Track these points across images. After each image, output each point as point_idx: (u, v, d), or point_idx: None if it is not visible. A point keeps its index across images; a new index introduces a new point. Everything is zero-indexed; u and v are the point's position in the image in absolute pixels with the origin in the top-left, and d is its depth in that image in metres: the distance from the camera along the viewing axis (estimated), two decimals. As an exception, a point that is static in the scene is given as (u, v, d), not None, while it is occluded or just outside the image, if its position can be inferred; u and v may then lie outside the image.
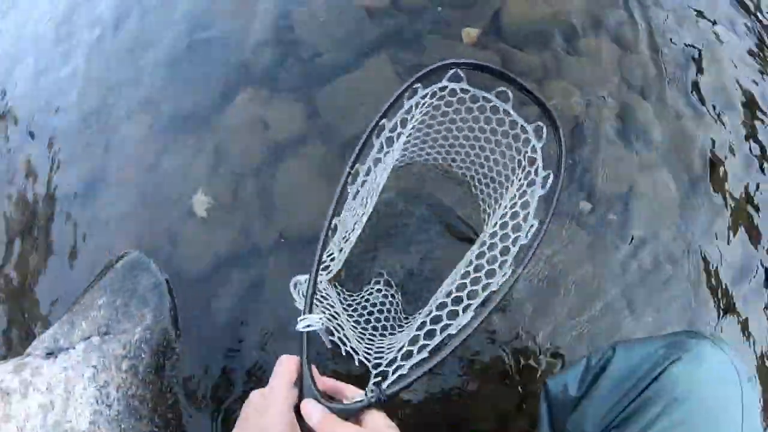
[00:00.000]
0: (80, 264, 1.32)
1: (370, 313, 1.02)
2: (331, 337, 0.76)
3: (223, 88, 1.29)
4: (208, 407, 1.09)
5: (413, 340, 0.72)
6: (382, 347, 0.86)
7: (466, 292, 0.73)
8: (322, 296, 0.82)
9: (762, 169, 1.36)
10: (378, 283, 1.09)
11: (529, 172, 0.83)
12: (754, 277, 1.28)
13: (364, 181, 0.87)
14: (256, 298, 1.11)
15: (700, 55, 1.43)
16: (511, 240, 0.79)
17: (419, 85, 0.83)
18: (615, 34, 1.39)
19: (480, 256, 0.81)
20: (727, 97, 1.41)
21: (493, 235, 0.84)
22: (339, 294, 0.99)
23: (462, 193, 1.14)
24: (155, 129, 1.33)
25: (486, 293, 0.71)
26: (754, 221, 1.32)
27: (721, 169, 1.33)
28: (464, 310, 0.69)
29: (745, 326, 1.23)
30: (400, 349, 0.72)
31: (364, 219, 0.97)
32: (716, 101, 1.40)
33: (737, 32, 1.54)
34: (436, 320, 0.74)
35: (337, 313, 0.83)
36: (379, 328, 0.99)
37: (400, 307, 1.08)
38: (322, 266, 0.78)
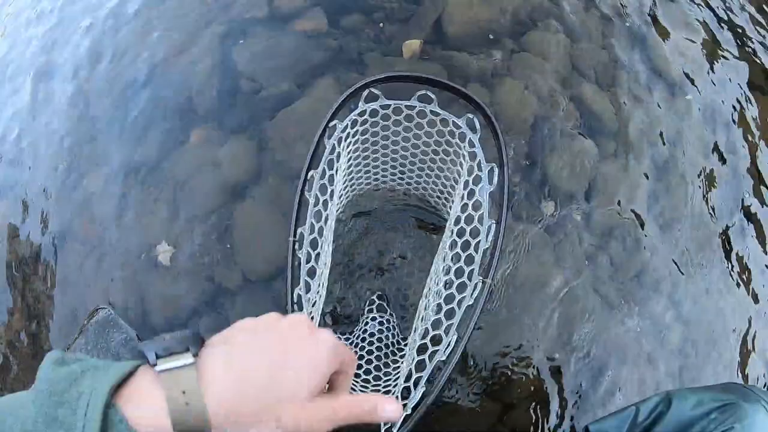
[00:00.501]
0: (56, 326, 1.32)
1: (371, 344, 1.00)
2: None
3: (173, 135, 1.28)
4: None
5: (408, 377, 0.75)
6: (389, 388, 0.85)
7: (443, 313, 0.75)
8: None
9: (719, 153, 1.35)
10: (371, 311, 1.07)
11: (472, 168, 0.82)
12: (721, 243, 1.27)
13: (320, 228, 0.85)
14: None
15: (649, 34, 1.42)
16: (472, 246, 0.78)
17: (336, 121, 0.82)
18: (561, 25, 1.37)
19: (446, 271, 0.80)
20: (680, 75, 1.39)
21: (452, 245, 0.83)
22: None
23: (420, 208, 1.12)
24: (113, 183, 1.32)
25: (460, 311, 0.73)
26: (716, 195, 1.31)
27: (683, 149, 1.32)
28: (446, 332, 0.71)
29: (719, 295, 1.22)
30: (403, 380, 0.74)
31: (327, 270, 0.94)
32: (671, 81, 1.38)
33: (684, 9, 1.52)
34: (423, 349, 0.76)
35: None
36: (382, 360, 0.97)
37: (397, 330, 1.05)
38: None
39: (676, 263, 1.23)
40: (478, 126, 0.80)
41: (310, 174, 0.83)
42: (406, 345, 0.99)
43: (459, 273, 0.81)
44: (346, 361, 0.42)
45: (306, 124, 1.18)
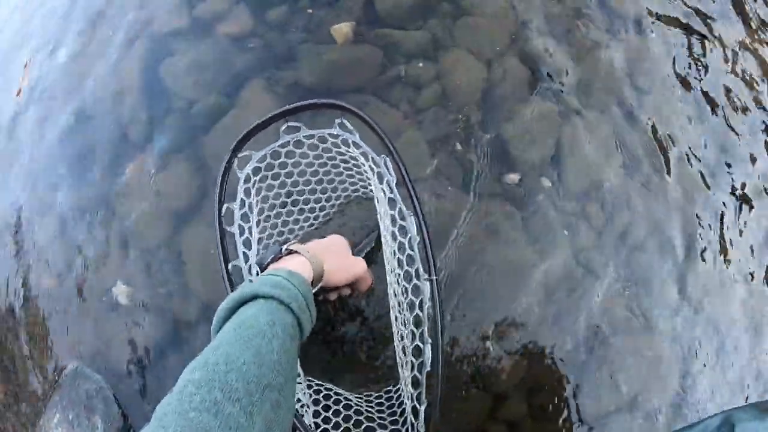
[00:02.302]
0: (31, 387, 1.27)
1: None
2: None
3: (110, 167, 1.21)
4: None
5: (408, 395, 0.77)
6: (393, 408, 0.84)
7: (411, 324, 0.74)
8: (309, 410, 0.82)
9: (693, 91, 1.25)
10: None
11: (372, 167, 0.79)
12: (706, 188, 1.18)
13: None
14: None
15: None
16: (407, 245, 0.75)
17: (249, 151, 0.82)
18: (502, -21, 1.27)
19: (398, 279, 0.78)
20: (641, 13, 1.29)
21: (393, 252, 0.78)
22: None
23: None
24: (60, 229, 1.26)
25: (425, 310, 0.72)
26: (694, 138, 1.22)
27: (653, 93, 1.22)
28: (422, 341, 0.72)
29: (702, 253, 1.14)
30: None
31: None
32: (631, 20, 1.28)
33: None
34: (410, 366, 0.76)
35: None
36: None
37: None
38: None
39: (661, 218, 1.14)
40: (349, 126, 0.81)
41: (224, 208, 0.78)
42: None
43: (408, 277, 0.76)
44: (362, 279, 0.82)
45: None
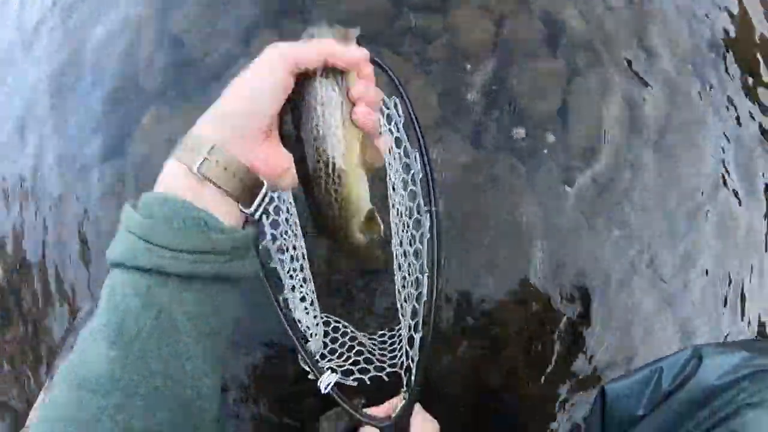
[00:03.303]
0: (48, 329, 1.32)
1: None
2: (352, 377, 0.81)
3: (126, 118, 1.23)
4: None
5: (406, 326, 0.79)
6: (394, 346, 0.88)
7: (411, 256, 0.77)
8: (319, 342, 0.86)
9: (708, 46, 1.24)
10: None
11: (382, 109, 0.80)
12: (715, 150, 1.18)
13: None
14: None
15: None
16: (410, 180, 0.78)
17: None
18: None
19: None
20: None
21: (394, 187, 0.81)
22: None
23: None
24: (77, 178, 1.29)
25: (425, 243, 0.74)
26: (706, 97, 1.21)
27: (666, 49, 1.21)
28: (420, 272, 0.75)
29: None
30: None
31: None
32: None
33: None
34: (408, 297, 0.79)
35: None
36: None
37: None
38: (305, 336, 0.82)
39: (666, 179, 1.14)
40: None
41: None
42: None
43: (410, 213, 0.79)
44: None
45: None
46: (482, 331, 1.00)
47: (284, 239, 0.84)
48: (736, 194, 1.19)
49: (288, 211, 0.86)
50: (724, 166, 1.19)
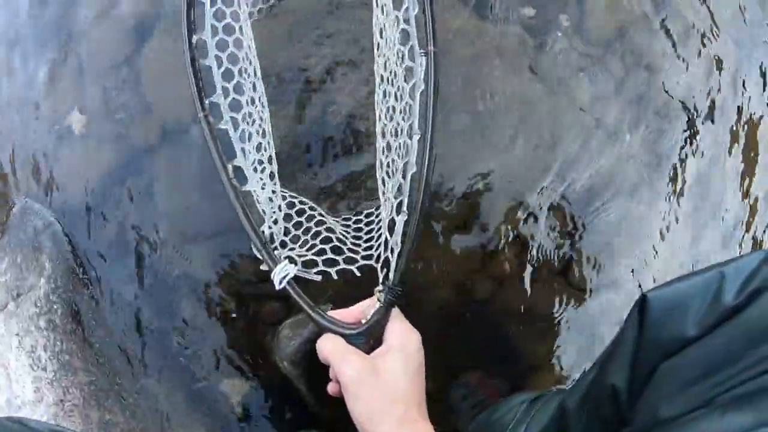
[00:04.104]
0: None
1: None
2: (314, 270, 0.65)
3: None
4: (135, 336, 0.95)
5: (389, 207, 0.64)
6: (372, 234, 0.72)
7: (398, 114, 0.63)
8: (278, 226, 0.70)
9: None
10: None
11: None
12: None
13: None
14: (157, 200, 0.92)
15: None
16: (401, 19, 0.60)
17: None
18: None
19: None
20: None
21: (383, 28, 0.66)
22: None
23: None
24: (7, 52, 1.11)
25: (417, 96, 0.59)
26: None
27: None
28: (409, 136, 0.60)
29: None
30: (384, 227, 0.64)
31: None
32: None
33: None
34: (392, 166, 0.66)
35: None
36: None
37: None
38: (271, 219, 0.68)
39: (683, 86, 1.00)
40: None
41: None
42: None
43: (400, 58, 0.63)
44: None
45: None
46: (471, 231, 0.86)
47: (240, 83, 0.68)
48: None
49: (248, 57, 0.70)
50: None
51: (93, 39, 1.02)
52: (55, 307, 1.02)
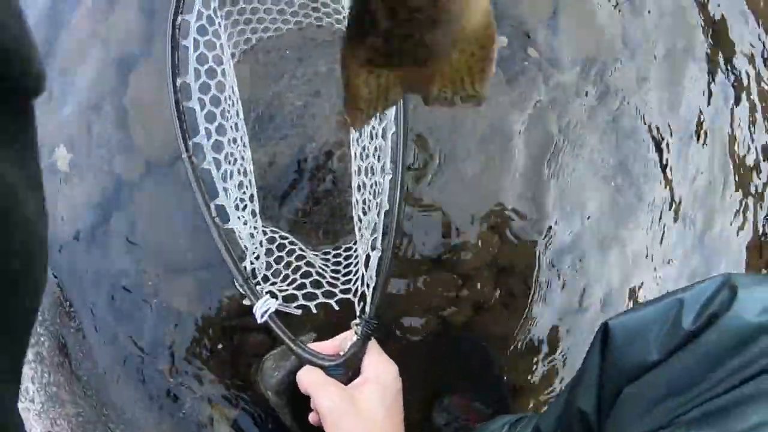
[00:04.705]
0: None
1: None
2: (294, 304, 0.67)
3: (58, 16, 1.06)
4: (121, 367, 0.96)
5: (365, 243, 0.67)
6: (349, 268, 0.75)
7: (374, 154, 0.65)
8: (260, 262, 0.73)
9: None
10: None
11: None
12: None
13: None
14: (142, 234, 0.94)
15: None
16: None
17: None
18: None
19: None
20: None
21: None
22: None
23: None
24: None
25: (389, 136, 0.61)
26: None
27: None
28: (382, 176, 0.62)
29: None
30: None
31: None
32: None
33: None
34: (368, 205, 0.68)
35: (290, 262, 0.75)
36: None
37: None
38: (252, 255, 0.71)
39: (656, 108, 1.04)
40: None
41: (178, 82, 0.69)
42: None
43: None
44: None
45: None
46: (449, 258, 0.89)
47: (222, 125, 0.70)
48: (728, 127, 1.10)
49: (230, 99, 0.73)
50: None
51: (78, 75, 1.04)
52: (42, 339, 1.03)
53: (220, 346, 0.89)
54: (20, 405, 1.14)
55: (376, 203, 0.64)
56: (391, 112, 0.62)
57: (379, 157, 0.65)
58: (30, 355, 1.06)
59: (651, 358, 0.47)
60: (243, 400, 0.90)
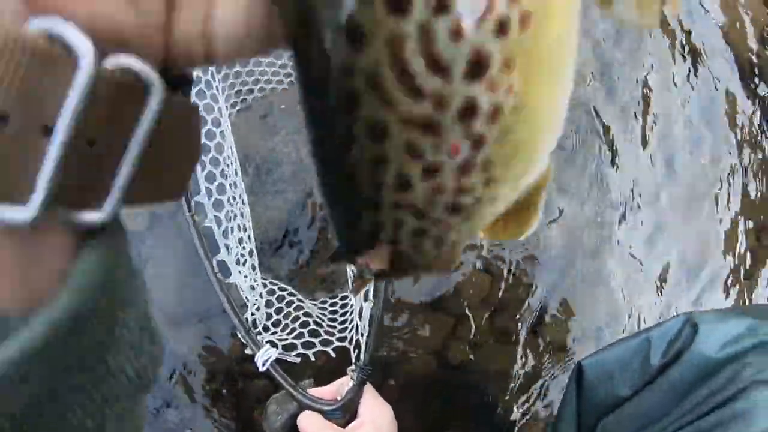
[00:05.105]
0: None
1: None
2: (294, 353, 0.72)
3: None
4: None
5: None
6: (345, 316, 0.79)
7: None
8: (260, 313, 0.77)
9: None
10: None
11: None
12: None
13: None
14: (147, 281, 0.97)
15: None
16: None
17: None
18: None
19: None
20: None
21: None
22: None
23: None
24: None
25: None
26: None
27: None
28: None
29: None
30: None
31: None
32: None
33: None
34: None
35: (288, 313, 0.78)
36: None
37: None
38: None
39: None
40: None
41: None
42: None
43: None
44: None
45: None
46: (442, 301, 0.92)
47: (222, 184, 0.75)
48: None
49: (228, 159, 0.77)
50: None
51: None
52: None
53: (224, 392, 0.91)
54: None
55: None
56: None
57: None
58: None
59: (623, 392, 0.52)
60: (248, 445, 0.92)
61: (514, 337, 0.95)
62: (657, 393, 0.50)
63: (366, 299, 0.67)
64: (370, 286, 0.66)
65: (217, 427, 0.94)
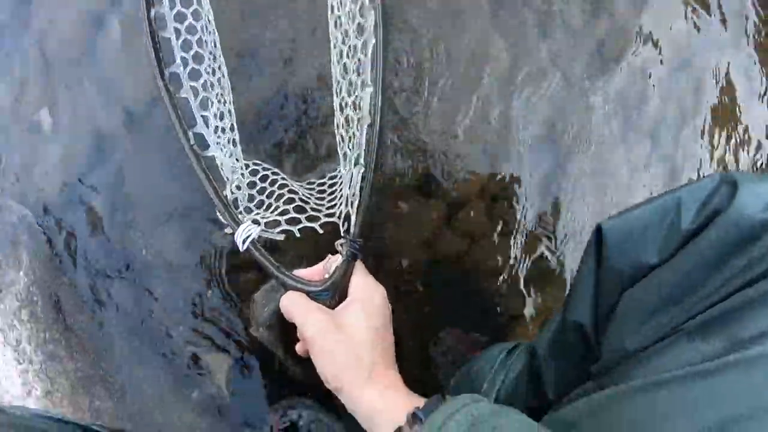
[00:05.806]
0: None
1: None
2: (278, 229, 0.65)
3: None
4: (114, 319, 0.96)
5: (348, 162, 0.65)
6: (334, 194, 0.72)
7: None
8: (242, 193, 0.71)
9: None
10: None
11: None
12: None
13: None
14: (127, 185, 0.93)
15: None
16: None
17: None
18: None
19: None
20: None
21: None
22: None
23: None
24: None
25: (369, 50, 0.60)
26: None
27: None
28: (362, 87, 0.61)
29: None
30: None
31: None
32: None
33: None
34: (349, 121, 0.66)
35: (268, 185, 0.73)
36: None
37: None
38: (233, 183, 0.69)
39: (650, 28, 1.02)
40: None
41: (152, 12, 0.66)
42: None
43: (352, 15, 0.64)
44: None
45: None
46: (438, 187, 0.88)
47: (199, 53, 0.69)
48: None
49: (206, 28, 0.71)
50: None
51: (52, 35, 1.02)
52: (35, 298, 1.03)
53: (211, 290, 0.89)
54: (19, 367, 1.13)
55: (357, 118, 0.63)
56: (370, 24, 0.61)
57: (358, 72, 0.64)
58: (24, 315, 1.06)
59: (649, 260, 0.44)
60: (239, 344, 0.89)
61: (514, 229, 0.91)
62: (688, 261, 0.42)
63: (356, 164, 0.62)
64: (361, 150, 0.61)
65: (206, 330, 0.92)
